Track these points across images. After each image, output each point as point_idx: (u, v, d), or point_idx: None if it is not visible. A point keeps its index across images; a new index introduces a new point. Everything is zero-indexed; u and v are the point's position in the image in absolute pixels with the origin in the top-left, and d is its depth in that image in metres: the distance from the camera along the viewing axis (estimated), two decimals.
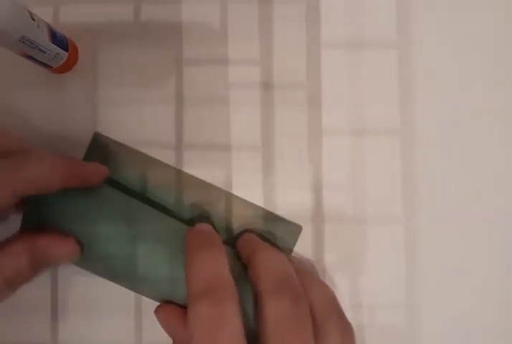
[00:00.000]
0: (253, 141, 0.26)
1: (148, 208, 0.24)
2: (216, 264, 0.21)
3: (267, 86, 0.26)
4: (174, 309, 0.23)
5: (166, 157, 0.26)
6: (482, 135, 0.26)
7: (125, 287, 0.24)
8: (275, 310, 0.20)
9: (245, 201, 0.26)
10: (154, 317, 0.23)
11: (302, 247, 0.25)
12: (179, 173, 0.26)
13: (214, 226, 0.25)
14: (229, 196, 0.26)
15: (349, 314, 0.25)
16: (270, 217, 0.25)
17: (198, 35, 0.26)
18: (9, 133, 0.22)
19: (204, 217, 0.25)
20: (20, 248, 0.22)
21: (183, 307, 0.23)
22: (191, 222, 0.25)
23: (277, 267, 0.22)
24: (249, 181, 0.26)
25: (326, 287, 0.23)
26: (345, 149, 0.26)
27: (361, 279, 0.25)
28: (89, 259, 0.23)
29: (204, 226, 0.23)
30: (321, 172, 0.26)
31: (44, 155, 0.21)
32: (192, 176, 0.26)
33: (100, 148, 0.26)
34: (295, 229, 0.25)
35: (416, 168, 0.26)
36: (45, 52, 0.23)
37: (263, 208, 0.26)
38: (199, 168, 0.26)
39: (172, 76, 0.26)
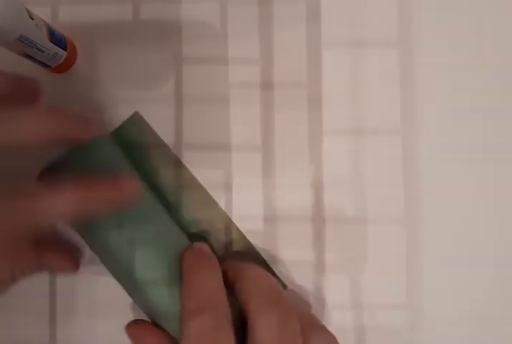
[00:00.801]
0: (253, 141, 0.26)
1: (160, 208, 0.24)
2: (214, 284, 0.21)
3: (267, 86, 0.26)
4: (147, 326, 0.22)
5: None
6: (484, 134, 0.26)
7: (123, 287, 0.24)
8: (266, 330, 0.20)
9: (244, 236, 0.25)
10: None
11: (303, 247, 0.25)
12: (191, 179, 0.26)
13: (211, 245, 0.25)
14: (229, 222, 0.26)
15: (349, 315, 0.25)
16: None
17: (198, 34, 0.26)
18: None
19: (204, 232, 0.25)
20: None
21: (158, 327, 0.22)
22: (190, 232, 0.25)
23: (269, 285, 0.22)
24: (249, 181, 0.26)
25: (328, 333, 0.22)
26: (345, 149, 0.26)
27: (361, 279, 0.25)
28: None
29: (202, 246, 0.23)
30: (321, 172, 0.26)
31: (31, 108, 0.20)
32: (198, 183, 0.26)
33: (134, 128, 0.26)
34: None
35: (417, 167, 0.26)
36: (44, 51, 0.23)
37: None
38: (199, 168, 0.26)
39: (172, 75, 0.26)
